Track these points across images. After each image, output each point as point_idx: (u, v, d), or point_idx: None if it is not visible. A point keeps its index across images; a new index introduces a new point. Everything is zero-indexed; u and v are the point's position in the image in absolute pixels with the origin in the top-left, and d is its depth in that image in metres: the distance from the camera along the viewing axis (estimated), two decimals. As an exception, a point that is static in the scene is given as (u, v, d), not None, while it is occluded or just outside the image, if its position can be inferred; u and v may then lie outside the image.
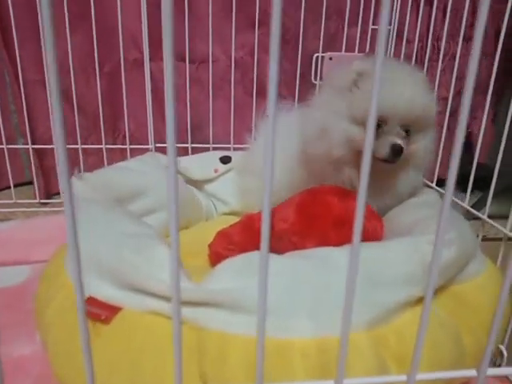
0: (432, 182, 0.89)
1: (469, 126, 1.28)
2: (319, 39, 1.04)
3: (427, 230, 0.52)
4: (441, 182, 0.89)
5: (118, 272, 0.50)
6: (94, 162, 1.14)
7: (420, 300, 0.48)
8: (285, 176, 0.77)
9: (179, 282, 0.27)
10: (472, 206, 1.29)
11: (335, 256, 0.47)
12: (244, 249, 0.71)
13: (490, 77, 1.31)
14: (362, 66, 0.64)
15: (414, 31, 1.06)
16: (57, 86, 0.21)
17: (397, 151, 0.63)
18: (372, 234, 0.59)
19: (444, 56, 1.16)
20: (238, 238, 0.69)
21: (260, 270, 0.29)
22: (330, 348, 0.42)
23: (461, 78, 1.21)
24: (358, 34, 1.02)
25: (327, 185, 0.66)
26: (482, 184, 1.25)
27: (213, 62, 1.19)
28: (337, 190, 0.63)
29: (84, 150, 1.09)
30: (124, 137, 1.21)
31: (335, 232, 0.57)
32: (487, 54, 1.23)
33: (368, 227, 0.59)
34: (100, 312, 0.48)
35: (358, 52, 1.03)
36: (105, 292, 0.50)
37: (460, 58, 1.21)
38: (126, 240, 0.53)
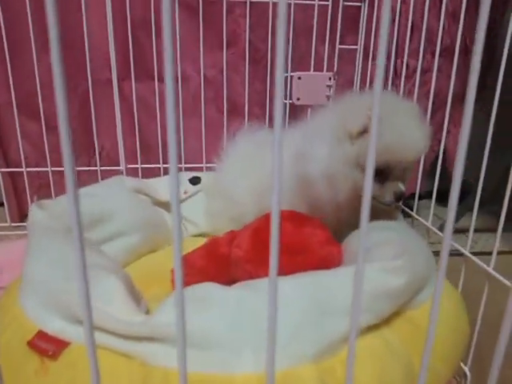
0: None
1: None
2: (289, 59, 1.05)
3: (380, 256, 0.53)
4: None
5: (65, 304, 0.49)
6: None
7: (370, 328, 0.48)
8: (256, 199, 0.77)
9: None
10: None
11: (280, 287, 0.47)
12: (206, 274, 0.71)
13: (464, 90, 1.33)
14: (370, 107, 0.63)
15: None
16: None
17: (400, 197, 0.65)
18: (328, 261, 0.58)
19: (413, 72, 1.17)
20: (200, 263, 0.69)
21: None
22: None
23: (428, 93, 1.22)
24: (326, 53, 1.03)
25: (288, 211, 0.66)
26: (460, 197, 1.27)
27: (186, 80, 1.20)
28: (293, 216, 0.64)
29: (58, 171, 1.09)
30: (100, 156, 1.22)
31: (288, 260, 0.57)
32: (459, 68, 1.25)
33: (323, 254, 0.59)
34: (48, 347, 0.48)
35: (327, 71, 1.04)
36: (54, 325, 0.50)
37: (430, 73, 1.23)
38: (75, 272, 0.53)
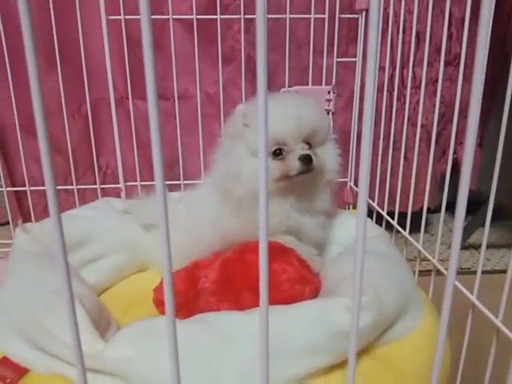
0: (393, 218, 0.85)
1: (455, 151, 1.23)
2: (292, 72, 1.03)
3: (344, 290, 0.50)
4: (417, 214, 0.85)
5: (28, 331, 0.50)
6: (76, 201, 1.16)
7: (332, 368, 0.45)
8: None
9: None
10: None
11: (236, 325, 0.45)
12: (185, 297, 0.70)
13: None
14: (244, 107, 0.70)
15: (385, 59, 1.04)
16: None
17: (306, 159, 0.67)
18: (297, 301, 0.51)
19: (420, 82, 1.13)
20: (180, 286, 0.68)
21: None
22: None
23: (441, 103, 1.16)
24: (325, 67, 1.01)
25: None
26: (472, 209, 1.21)
27: (189, 97, 1.21)
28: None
29: (65, 189, 1.11)
30: (105, 174, 1.24)
31: (251, 295, 0.54)
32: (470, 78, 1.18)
33: (292, 294, 0.55)
34: (7, 374, 0.48)
35: (326, 84, 1.01)
36: (17, 351, 0.50)
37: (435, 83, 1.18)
38: (44, 297, 0.53)
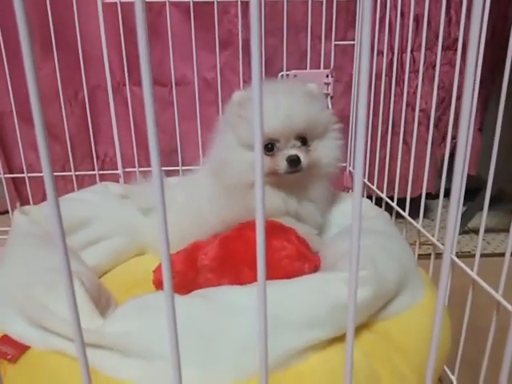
0: (393, 200, 0.85)
1: (454, 136, 1.23)
2: (290, 56, 1.03)
3: (344, 265, 0.50)
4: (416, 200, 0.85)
5: (27, 309, 0.50)
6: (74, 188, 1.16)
7: (331, 342, 0.45)
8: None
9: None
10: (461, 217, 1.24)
11: (234, 298, 0.45)
12: (185, 278, 0.70)
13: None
14: (240, 96, 0.68)
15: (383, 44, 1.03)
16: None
17: (293, 161, 0.66)
18: (297, 276, 0.53)
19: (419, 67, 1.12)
20: (179, 267, 0.68)
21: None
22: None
23: (441, 88, 1.16)
24: (323, 50, 1.00)
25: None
26: (471, 194, 1.21)
27: (187, 83, 1.20)
28: (267, 227, 0.61)
29: (63, 176, 1.11)
30: (103, 162, 1.24)
31: (251, 270, 0.54)
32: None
33: (291, 270, 0.56)
34: (8, 351, 0.48)
35: (324, 68, 1.01)
36: (17, 329, 0.50)
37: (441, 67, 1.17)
38: (43, 276, 0.53)
